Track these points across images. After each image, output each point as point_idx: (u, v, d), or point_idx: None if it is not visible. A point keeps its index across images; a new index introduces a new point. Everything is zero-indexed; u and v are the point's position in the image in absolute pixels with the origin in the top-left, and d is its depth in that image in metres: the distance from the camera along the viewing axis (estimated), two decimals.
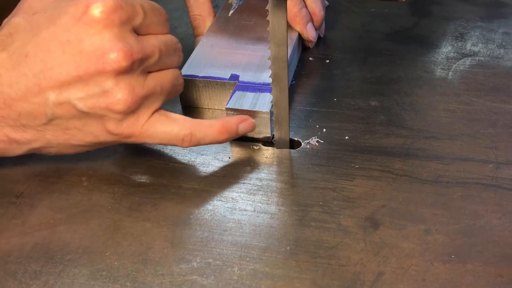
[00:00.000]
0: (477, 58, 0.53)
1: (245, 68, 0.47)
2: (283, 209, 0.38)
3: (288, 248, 0.35)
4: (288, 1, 0.36)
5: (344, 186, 0.39)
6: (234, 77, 0.46)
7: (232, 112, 0.43)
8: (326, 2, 0.58)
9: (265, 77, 0.46)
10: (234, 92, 0.45)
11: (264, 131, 0.43)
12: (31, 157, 0.43)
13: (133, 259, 0.35)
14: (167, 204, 0.39)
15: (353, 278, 0.33)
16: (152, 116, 0.38)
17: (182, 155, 0.43)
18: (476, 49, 0.54)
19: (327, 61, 0.54)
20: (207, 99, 0.48)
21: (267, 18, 0.37)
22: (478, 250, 0.34)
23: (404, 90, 0.49)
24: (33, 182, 0.41)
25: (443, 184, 0.39)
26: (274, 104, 0.41)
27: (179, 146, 0.39)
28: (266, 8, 0.36)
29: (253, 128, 0.42)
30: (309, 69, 0.53)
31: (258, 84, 0.45)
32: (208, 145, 0.43)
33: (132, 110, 0.36)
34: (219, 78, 0.46)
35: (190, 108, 0.48)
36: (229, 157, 0.43)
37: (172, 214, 0.38)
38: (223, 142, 0.41)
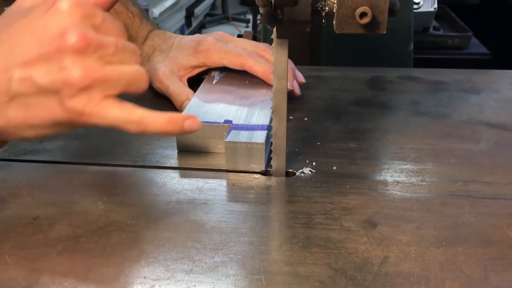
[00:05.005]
0: (430, 115, 0.62)
1: (236, 116, 0.53)
2: (291, 216, 0.42)
3: (300, 244, 0.39)
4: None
5: (340, 200, 0.44)
6: (228, 122, 0.52)
7: (231, 145, 0.48)
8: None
9: (255, 121, 0.52)
10: (230, 130, 0.50)
11: (259, 163, 0.49)
12: (42, 188, 0.46)
13: (160, 260, 0.37)
14: (183, 217, 0.42)
15: (363, 261, 0.37)
16: (104, 99, 0.41)
17: (190, 183, 0.47)
18: (429, 109, 0.63)
19: (306, 119, 0.61)
20: (202, 143, 0.53)
21: (271, 55, 0.44)
22: (464, 238, 0.40)
23: (376, 136, 0.56)
24: (48, 208, 0.43)
25: (425, 196, 0.45)
26: (274, 134, 0.47)
27: (127, 130, 0.41)
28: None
29: (198, 127, 0.42)
30: (290, 125, 0.60)
31: (250, 125, 0.51)
32: (213, 175, 0.48)
33: (86, 87, 0.40)
34: (215, 122, 0.52)
35: (186, 153, 0.53)
36: (233, 184, 0.47)
37: (189, 224, 0.41)
38: (169, 134, 0.42)
